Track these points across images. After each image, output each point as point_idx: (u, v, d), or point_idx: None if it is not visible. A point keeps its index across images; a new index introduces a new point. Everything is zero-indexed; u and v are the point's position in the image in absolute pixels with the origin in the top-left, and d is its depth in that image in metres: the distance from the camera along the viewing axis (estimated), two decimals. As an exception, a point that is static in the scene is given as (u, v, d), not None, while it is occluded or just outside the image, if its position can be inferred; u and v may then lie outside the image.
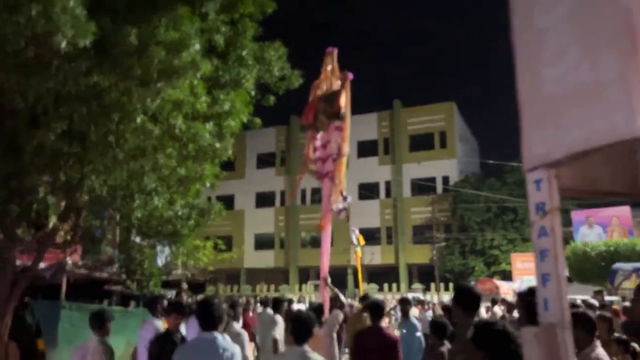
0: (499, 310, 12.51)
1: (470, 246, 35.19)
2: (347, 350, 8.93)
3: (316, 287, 30.08)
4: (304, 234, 42.38)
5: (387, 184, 40.77)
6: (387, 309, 10.67)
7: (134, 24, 5.49)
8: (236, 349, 3.64)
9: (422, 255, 37.45)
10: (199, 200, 9.86)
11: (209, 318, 3.59)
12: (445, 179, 38.63)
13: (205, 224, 9.38)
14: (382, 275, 36.59)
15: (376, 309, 5.43)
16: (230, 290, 34.22)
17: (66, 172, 6.54)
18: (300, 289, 34.43)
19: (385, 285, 33.50)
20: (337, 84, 8.21)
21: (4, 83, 5.41)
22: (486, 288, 20.67)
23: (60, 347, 7.64)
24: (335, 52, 8.49)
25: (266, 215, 43.71)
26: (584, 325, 3.10)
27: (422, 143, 39.70)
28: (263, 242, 43.33)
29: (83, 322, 8.43)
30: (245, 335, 5.71)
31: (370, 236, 34.18)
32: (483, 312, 14.26)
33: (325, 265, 7.87)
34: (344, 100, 7.90)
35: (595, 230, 24.59)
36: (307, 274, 39.40)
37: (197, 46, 5.63)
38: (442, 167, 38.77)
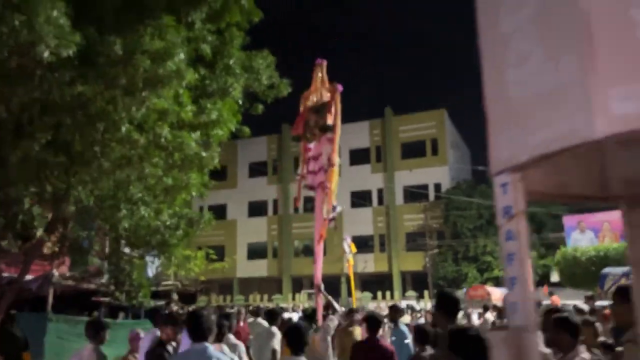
0: (490, 316, 12.51)
1: (463, 253, 35.23)
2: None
3: (309, 295, 29.95)
4: (296, 243, 42.26)
5: (380, 191, 40.82)
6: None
7: (120, 33, 5.49)
8: (227, 359, 3.67)
9: (415, 262, 37.43)
10: (188, 210, 9.80)
11: (199, 329, 3.65)
12: (437, 186, 38.73)
13: (195, 234, 9.32)
14: (376, 283, 36.53)
15: (373, 322, 5.45)
16: (223, 300, 34.01)
17: (52, 183, 6.49)
18: (293, 298, 34.30)
19: (379, 294, 33.44)
20: (326, 96, 8.21)
21: (-13, 93, 5.38)
22: (478, 295, 20.72)
23: (46, 361, 7.55)
24: (325, 63, 8.46)
25: (259, 224, 43.55)
26: (567, 329, 3.11)
27: (414, 150, 39.83)
28: (256, 252, 43.14)
29: (70, 335, 8.35)
30: (242, 346, 5.71)
31: (363, 244, 34.17)
32: (475, 319, 14.29)
33: (318, 272, 7.90)
34: (334, 112, 7.92)
35: (587, 235, 24.70)
36: (300, 283, 39.23)
37: (182, 55, 5.64)
38: (434, 174, 38.89)
